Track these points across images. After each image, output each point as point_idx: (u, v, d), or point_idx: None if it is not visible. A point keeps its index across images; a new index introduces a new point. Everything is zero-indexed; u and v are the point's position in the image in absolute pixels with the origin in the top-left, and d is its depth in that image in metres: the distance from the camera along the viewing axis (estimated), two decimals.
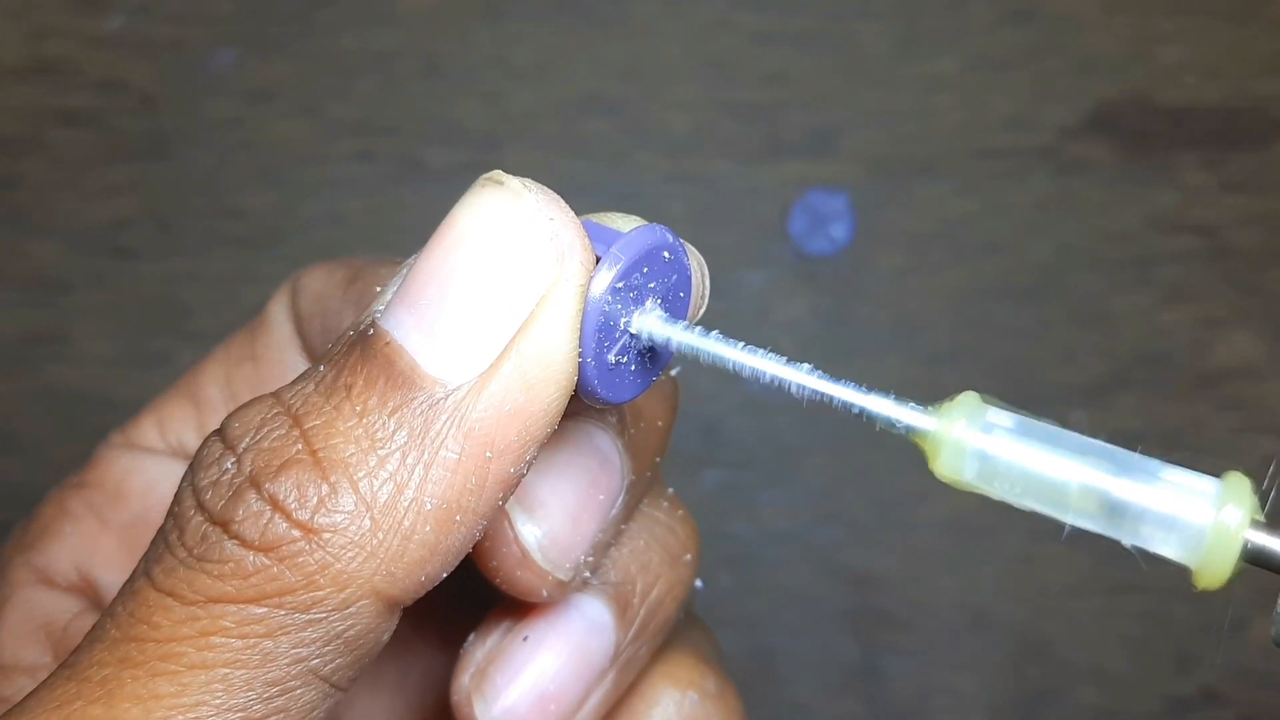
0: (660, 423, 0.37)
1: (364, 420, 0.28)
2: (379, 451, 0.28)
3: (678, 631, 0.39)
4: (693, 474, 0.69)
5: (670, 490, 0.39)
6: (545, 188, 0.29)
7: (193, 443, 0.41)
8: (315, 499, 0.28)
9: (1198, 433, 0.68)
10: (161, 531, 0.29)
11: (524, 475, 0.30)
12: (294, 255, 0.70)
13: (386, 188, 0.70)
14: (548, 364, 0.29)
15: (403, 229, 0.70)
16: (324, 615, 0.28)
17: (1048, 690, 0.67)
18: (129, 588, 0.29)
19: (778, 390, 0.29)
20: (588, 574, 0.36)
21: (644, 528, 0.37)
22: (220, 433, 0.30)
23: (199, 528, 0.28)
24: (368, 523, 0.28)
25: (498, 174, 0.29)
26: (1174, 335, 0.69)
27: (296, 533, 0.28)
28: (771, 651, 0.69)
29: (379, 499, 0.28)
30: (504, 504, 0.30)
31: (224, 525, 0.28)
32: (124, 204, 0.70)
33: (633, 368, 0.31)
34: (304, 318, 0.41)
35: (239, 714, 0.28)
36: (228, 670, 0.28)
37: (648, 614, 0.37)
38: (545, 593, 0.35)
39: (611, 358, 0.30)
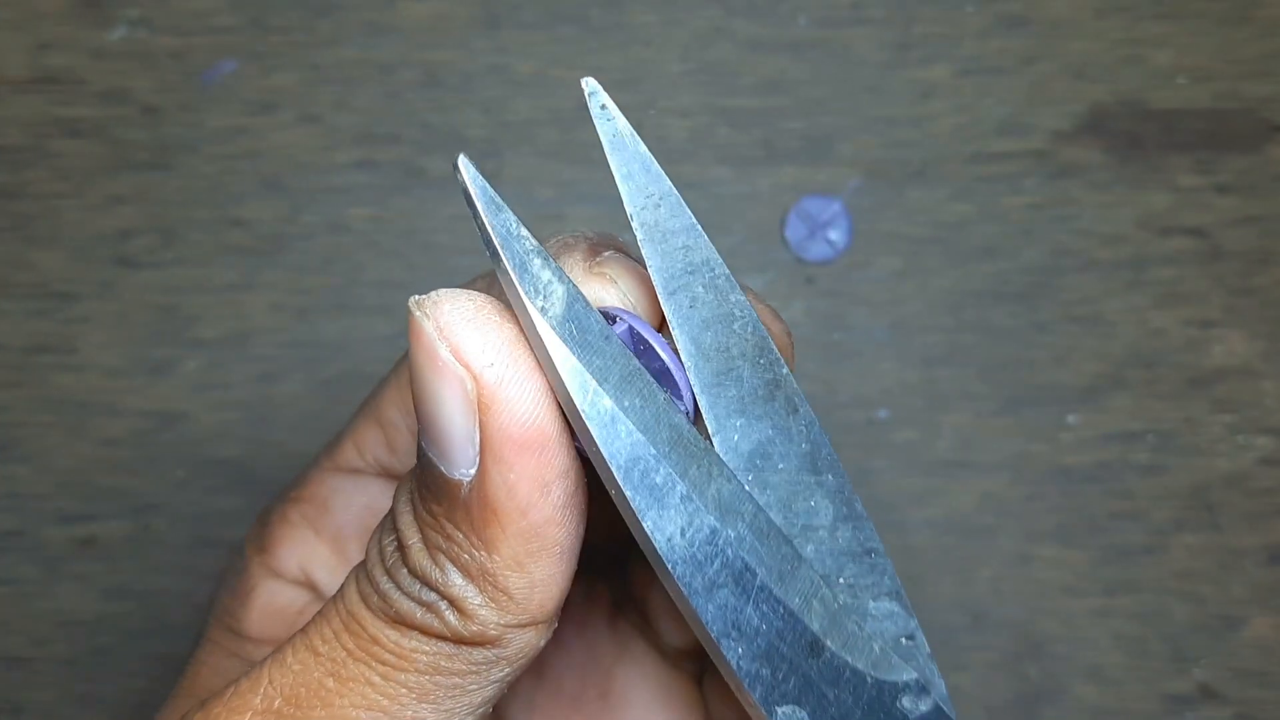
0: None
1: (472, 544, 0.35)
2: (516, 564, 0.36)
3: None
4: None
5: None
6: (458, 301, 0.36)
7: (385, 460, 0.48)
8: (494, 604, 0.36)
9: (1192, 433, 0.69)
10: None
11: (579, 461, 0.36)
12: (297, 263, 0.70)
13: (388, 196, 0.70)
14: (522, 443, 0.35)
15: (404, 236, 0.70)
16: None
17: (1047, 690, 0.67)
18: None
19: None
20: None
21: None
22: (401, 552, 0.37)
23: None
24: (514, 615, 0.36)
25: (412, 302, 0.36)
26: (1168, 336, 0.69)
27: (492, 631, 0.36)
28: None
29: (519, 595, 0.35)
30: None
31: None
32: (128, 214, 0.70)
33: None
34: None
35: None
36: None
37: None
38: None
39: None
